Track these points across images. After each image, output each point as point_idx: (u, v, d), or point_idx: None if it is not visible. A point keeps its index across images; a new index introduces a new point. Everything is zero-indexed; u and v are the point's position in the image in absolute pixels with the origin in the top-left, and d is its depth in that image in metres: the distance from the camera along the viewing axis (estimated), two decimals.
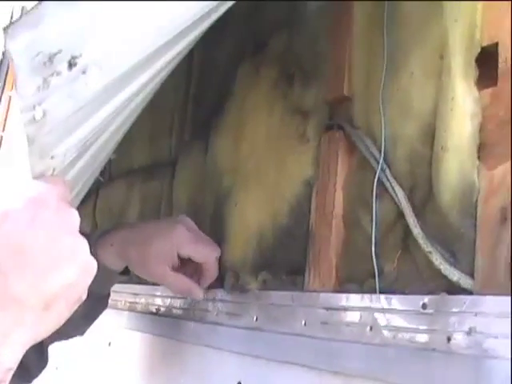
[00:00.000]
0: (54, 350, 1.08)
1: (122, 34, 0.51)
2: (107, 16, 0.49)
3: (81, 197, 0.82)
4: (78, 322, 0.98)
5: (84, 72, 0.49)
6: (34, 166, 0.55)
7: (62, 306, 0.55)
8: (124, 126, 0.74)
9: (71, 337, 1.04)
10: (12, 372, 0.50)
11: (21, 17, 0.44)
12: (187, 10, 0.56)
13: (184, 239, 1.01)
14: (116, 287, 1.24)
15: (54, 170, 0.56)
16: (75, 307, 0.58)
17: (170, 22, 0.55)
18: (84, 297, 0.58)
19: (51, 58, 0.47)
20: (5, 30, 0.44)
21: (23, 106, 0.48)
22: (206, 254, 1.03)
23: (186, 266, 1.04)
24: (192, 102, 1.37)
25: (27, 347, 0.52)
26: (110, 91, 0.55)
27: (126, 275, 1.06)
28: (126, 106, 0.63)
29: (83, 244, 0.57)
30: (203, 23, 0.64)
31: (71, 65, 0.48)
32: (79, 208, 1.76)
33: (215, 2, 0.60)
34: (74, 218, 0.58)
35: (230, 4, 0.67)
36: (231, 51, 1.24)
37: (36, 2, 0.44)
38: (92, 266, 0.58)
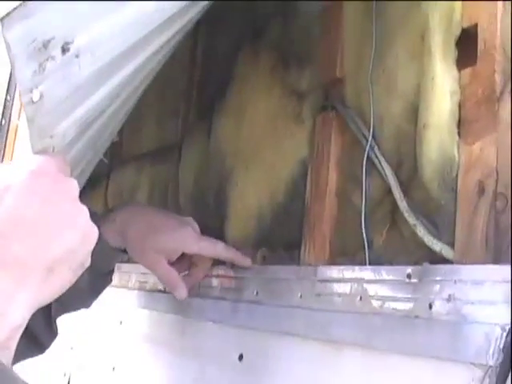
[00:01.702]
0: (68, 329, 1.12)
1: (110, 21, 0.54)
2: (97, 4, 0.52)
3: (86, 175, 0.85)
4: (83, 295, 1.01)
5: (77, 56, 0.53)
6: (34, 145, 0.58)
7: (65, 271, 0.58)
8: (123, 109, 0.78)
9: (77, 309, 1.06)
10: (21, 330, 0.54)
11: (16, 8, 0.48)
12: (169, 3, 0.59)
13: (191, 239, 1.04)
14: (126, 267, 1.28)
15: (53, 148, 0.59)
16: (79, 273, 0.60)
17: (157, 10, 0.58)
18: (87, 264, 0.61)
19: (45, 45, 0.50)
20: (1, 20, 0.48)
21: (22, 89, 0.52)
22: (212, 248, 1.05)
23: (181, 262, 1.07)
24: (196, 86, 1.41)
25: (34, 309, 0.55)
26: (103, 74, 0.58)
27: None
28: (123, 88, 0.66)
29: (83, 211, 0.60)
30: (193, 9, 0.67)
31: (64, 50, 0.51)
32: (91, 191, 1.82)
33: None
34: (73, 186, 0.60)
35: None
36: (232, 38, 1.28)
37: None
38: (93, 232, 0.61)
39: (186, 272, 1.09)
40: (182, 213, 1.33)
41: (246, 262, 1.01)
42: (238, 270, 1.03)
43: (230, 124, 1.19)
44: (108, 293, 1.09)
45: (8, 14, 0.48)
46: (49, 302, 0.58)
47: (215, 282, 1.09)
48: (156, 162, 1.54)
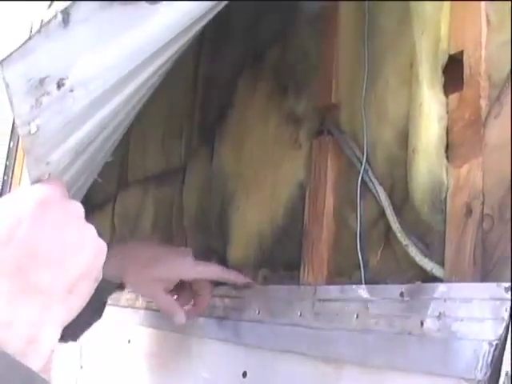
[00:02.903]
0: (78, 349, 1.15)
1: (103, 56, 0.57)
2: (88, 44, 0.56)
3: (79, 196, 0.89)
4: (73, 327, 1.04)
5: (71, 90, 0.56)
6: (31, 172, 0.61)
7: (82, 288, 0.61)
8: (116, 133, 0.81)
9: (65, 341, 1.10)
10: (54, 351, 0.57)
11: (15, 50, 0.52)
12: (160, 35, 0.63)
13: (188, 265, 1.08)
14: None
15: (49, 174, 0.63)
16: (94, 287, 0.64)
17: (146, 44, 0.62)
18: (100, 277, 0.64)
19: (41, 82, 0.54)
20: (1, 62, 0.52)
21: (19, 122, 0.56)
22: (209, 271, 1.10)
23: (182, 289, 1.11)
24: (199, 111, 1.45)
25: (61, 329, 0.59)
26: (96, 105, 0.61)
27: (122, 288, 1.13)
28: (115, 116, 0.70)
29: (91, 230, 0.62)
30: (184, 37, 0.71)
31: (59, 86, 0.55)
32: (99, 213, 1.85)
33: (187, 24, 0.66)
34: (78, 208, 0.63)
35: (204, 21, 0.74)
36: (232, 63, 1.32)
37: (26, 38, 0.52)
38: (102, 247, 0.63)
39: (192, 303, 1.13)
40: (186, 235, 1.37)
41: (245, 280, 1.06)
42: (241, 290, 1.06)
43: (231, 148, 1.23)
44: (116, 312, 1.12)
45: (7, 57, 0.52)
46: (72, 318, 0.61)
47: (218, 301, 1.12)
48: (161, 185, 1.58)
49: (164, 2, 0.57)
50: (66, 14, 0.52)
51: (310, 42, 1.06)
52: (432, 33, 0.79)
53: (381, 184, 0.85)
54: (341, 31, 0.98)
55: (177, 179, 1.47)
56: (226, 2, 0.74)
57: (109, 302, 1.11)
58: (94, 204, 1.98)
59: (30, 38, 0.52)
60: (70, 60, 0.55)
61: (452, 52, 0.78)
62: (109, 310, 1.12)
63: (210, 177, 1.30)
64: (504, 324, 0.61)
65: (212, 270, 1.09)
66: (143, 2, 0.55)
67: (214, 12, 0.75)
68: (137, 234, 1.67)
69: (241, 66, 1.27)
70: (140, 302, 1.41)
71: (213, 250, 1.25)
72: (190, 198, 1.38)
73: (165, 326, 1.28)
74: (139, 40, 0.60)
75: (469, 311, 0.65)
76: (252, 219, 1.11)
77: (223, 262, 1.18)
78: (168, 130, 1.59)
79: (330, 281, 0.91)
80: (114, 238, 1.82)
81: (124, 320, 1.29)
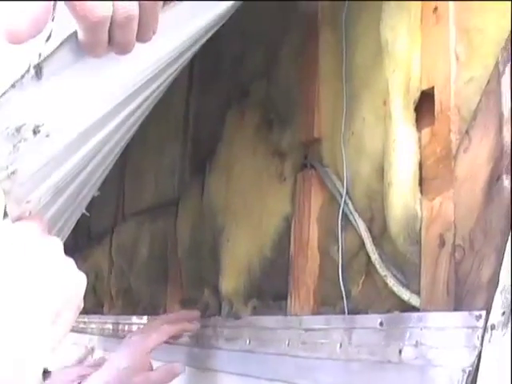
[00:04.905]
0: None
1: (76, 105, 0.60)
2: (62, 93, 0.59)
3: (66, 231, 0.91)
4: None
5: (47, 136, 0.58)
6: (11, 212, 0.63)
7: (65, 317, 0.64)
8: (101, 167, 0.83)
9: None
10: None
11: None
12: (132, 80, 0.66)
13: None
14: (127, 319, 1.35)
15: (30, 212, 0.65)
16: (77, 315, 0.67)
17: (119, 89, 0.65)
18: (82, 306, 0.67)
19: (18, 130, 0.56)
20: None
21: None
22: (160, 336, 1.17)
23: None
24: (190, 145, 1.49)
25: (48, 357, 0.62)
26: (74, 145, 0.63)
27: None
28: (97, 152, 0.72)
29: (70, 262, 0.65)
30: (161, 76, 0.74)
31: (35, 132, 0.57)
32: (98, 246, 1.88)
33: (160, 66, 0.69)
34: (57, 243, 0.65)
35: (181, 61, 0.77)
36: (221, 99, 1.36)
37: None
38: (82, 277, 0.66)
39: None
40: (180, 266, 1.40)
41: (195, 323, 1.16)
42: (233, 320, 1.09)
43: (221, 182, 1.26)
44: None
45: None
46: (58, 346, 0.63)
47: (211, 331, 1.15)
48: (155, 218, 1.61)
49: (138, 47, 0.60)
50: (38, 68, 0.55)
51: (292, 78, 1.10)
52: (403, 70, 0.82)
53: (360, 216, 0.88)
54: (321, 68, 1.02)
55: (171, 212, 1.50)
56: (197, 47, 0.77)
57: None
58: (92, 238, 2.01)
59: (5, 92, 0.55)
60: (45, 109, 0.58)
61: (424, 88, 0.80)
62: None
63: (202, 209, 1.33)
64: (476, 351, 0.64)
65: (164, 333, 1.16)
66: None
67: (189, 54, 0.78)
68: (133, 266, 1.70)
69: (229, 101, 1.30)
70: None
71: (206, 281, 1.28)
72: (184, 230, 1.41)
73: (163, 357, 1.30)
74: (112, 86, 0.63)
75: (443, 339, 0.68)
76: (241, 251, 1.14)
77: (216, 292, 1.21)
78: (161, 165, 1.63)
79: (316, 310, 0.94)
80: (112, 270, 1.85)
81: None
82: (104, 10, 0.52)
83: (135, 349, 1.13)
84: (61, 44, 0.56)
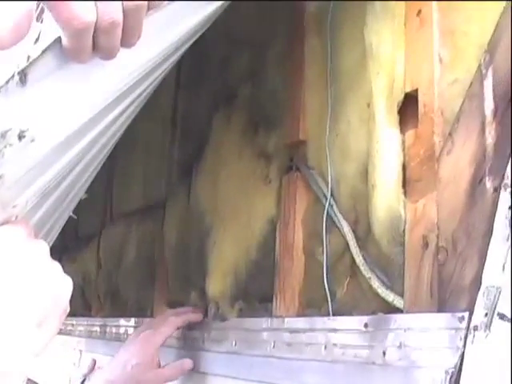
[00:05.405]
0: None
1: (61, 110, 0.61)
2: (47, 99, 0.59)
3: (53, 234, 0.91)
4: None
5: (33, 140, 0.58)
6: None
7: (51, 321, 0.64)
8: (88, 170, 0.84)
9: None
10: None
11: None
12: (117, 84, 0.66)
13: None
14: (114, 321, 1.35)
15: (16, 216, 0.65)
16: (62, 320, 0.67)
17: (105, 92, 0.64)
18: (68, 310, 0.68)
19: (3, 135, 0.56)
20: None
21: None
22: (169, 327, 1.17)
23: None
24: (177, 148, 1.49)
25: (32, 360, 0.62)
26: (58, 152, 0.63)
27: None
28: (82, 157, 0.73)
29: (57, 266, 0.65)
30: (145, 82, 0.74)
31: (20, 137, 0.58)
32: (85, 249, 1.88)
33: (146, 71, 0.70)
34: (43, 247, 0.65)
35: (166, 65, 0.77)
36: (208, 101, 1.36)
37: None
38: (68, 282, 0.66)
39: None
40: (167, 268, 1.40)
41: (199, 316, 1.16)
42: (219, 322, 1.09)
43: (207, 184, 1.27)
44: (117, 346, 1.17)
45: None
46: (42, 352, 0.64)
47: (198, 333, 1.15)
48: (143, 220, 1.61)
49: (123, 51, 0.60)
50: (23, 74, 0.56)
51: (278, 81, 1.10)
52: (387, 73, 0.82)
53: (345, 218, 0.88)
54: (307, 71, 1.02)
55: (158, 214, 1.50)
56: (183, 51, 0.78)
57: None
58: (80, 239, 2.01)
59: None
60: (30, 114, 0.58)
61: (408, 90, 0.81)
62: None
63: (189, 212, 1.33)
64: (459, 352, 0.64)
65: (172, 325, 1.17)
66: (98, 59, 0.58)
67: (175, 58, 0.78)
68: (121, 268, 1.70)
69: (216, 104, 1.31)
70: (126, 337, 1.43)
71: (193, 283, 1.28)
72: (171, 232, 1.42)
73: None
74: (97, 91, 0.63)
75: (427, 340, 0.68)
76: (228, 253, 1.14)
77: (203, 294, 1.21)
78: (149, 167, 1.63)
79: (301, 312, 0.94)
80: (99, 272, 1.85)
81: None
82: (88, 17, 0.52)
83: (145, 345, 1.13)
84: (45, 50, 0.56)
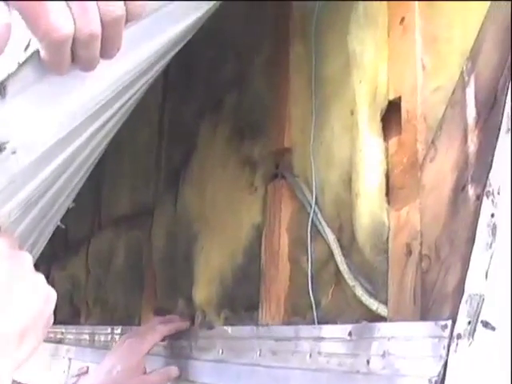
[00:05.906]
0: None
1: (41, 122, 0.60)
2: (26, 111, 0.59)
3: (40, 244, 0.91)
4: None
5: (13, 152, 0.58)
6: None
7: (34, 334, 0.64)
8: (73, 181, 0.84)
9: None
10: None
11: None
12: (97, 97, 0.66)
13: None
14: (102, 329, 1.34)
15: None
16: (46, 332, 0.67)
17: (86, 103, 0.64)
18: (51, 322, 0.67)
19: None
20: None
21: None
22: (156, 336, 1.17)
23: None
24: (164, 155, 1.49)
25: (12, 374, 0.62)
26: (39, 163, 0.63)
27: None
28: (66, 167, 0.72)
29: (40, 278, 0.65)
30: (128, 92, 0.74)
31: (1, 149, 0.58)
32: (74, 256, 1.87)
33: (125, 83, 0.70)
34: (26, 258, 0.65)
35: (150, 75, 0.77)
36: (195, 108, 1.36)
37: None
38: (52, 294, 0.66)
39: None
40: (155, 273, 1.40)
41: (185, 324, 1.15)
42: (206, 331, 1.09)
43: (194, 191, 1.27)
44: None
45: None
46: (24, 364, 0.63)
47: (185, 342, 1.15)
48: (131, 227, 1.61)
49: (103, 62, 0.60)
50: (2, 86, 0.56)
51: (264, 89, 1.10)
52: (370, 80, 0.82)
53: (329, 226, 0.88)
54: (292, 79, 1.02)
55: (146, 221, 1.50)
56: (167, 60, 0.78)
57: None
58: (69, 247, 2.01)
59: None
60: (10, 126, 0.58)
61: (391, 97, 0.81)
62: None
63: (177, 219, 1.33)
64: (442, 361, 0.64)
65: (159, 333, 1.16)
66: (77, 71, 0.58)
67: (159, 67, 0.78)
68: (109, 275, 1.69)
69: (203, 111, 1.31)
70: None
71: (180, 291, 1.28)
72: (159, 239, 1.41)
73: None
74: (78, 102, 0.63)
75: (410, 349, 0.68)
76: (214, 261, 1.14)
77: (190, 302, 1.20)
78: (137, 175, 1.63)
79: (287, 321, 0.94)
80: (88, 279, 1.85)
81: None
82: (66, 29, 0.52)
83: (130, 351, 1.13)
84: (24, 63, 0.56)
